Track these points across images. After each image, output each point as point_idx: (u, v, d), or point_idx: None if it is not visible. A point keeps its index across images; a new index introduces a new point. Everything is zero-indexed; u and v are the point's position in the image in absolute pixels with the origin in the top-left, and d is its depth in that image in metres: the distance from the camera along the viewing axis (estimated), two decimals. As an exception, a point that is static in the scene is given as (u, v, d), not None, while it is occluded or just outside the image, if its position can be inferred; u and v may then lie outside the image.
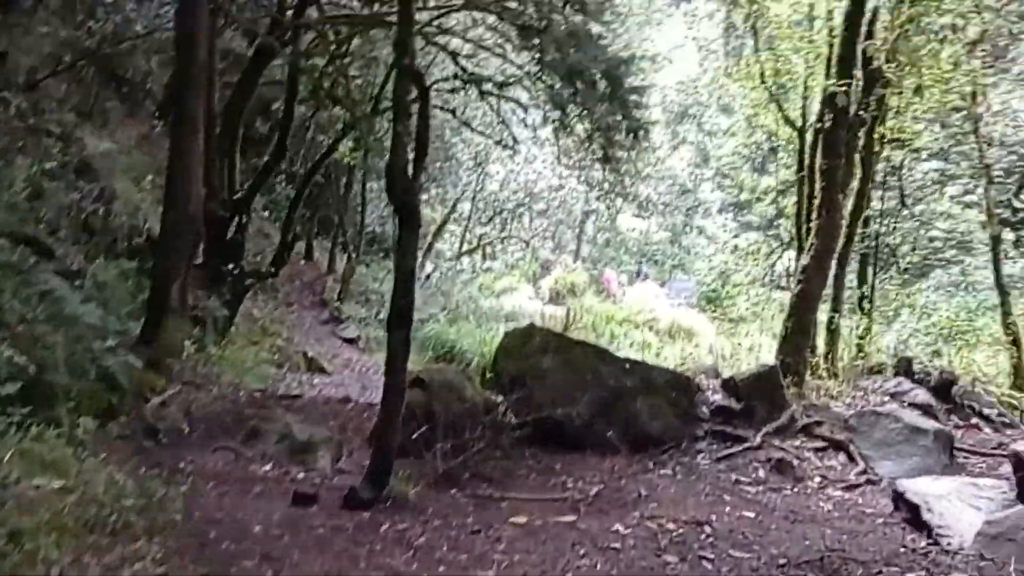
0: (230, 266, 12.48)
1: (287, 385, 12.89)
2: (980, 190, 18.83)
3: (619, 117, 9.09)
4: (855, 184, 10.17)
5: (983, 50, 10.80)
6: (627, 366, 8.07)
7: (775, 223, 16.11)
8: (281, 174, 19.75)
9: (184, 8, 8.61)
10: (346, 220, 22.20)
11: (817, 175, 9.01)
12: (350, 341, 17.85)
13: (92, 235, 11.59)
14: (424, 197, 27.03)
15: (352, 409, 9.36)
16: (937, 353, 12.16)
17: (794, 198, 13.21)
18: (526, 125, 14.65)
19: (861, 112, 8.70)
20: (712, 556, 5.06)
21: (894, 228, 14.41)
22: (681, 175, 37.63)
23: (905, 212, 14.68)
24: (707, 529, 5.55)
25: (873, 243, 13.22)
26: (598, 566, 4.87)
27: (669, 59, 35.11)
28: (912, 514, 5.59)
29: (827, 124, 8.61)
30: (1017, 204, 17.33)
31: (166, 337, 9.73)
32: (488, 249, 30.11)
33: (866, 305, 12.64)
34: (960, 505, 5.46)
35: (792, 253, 13.42)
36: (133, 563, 4.21)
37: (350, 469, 7.18)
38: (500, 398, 8.15)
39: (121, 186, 12.65)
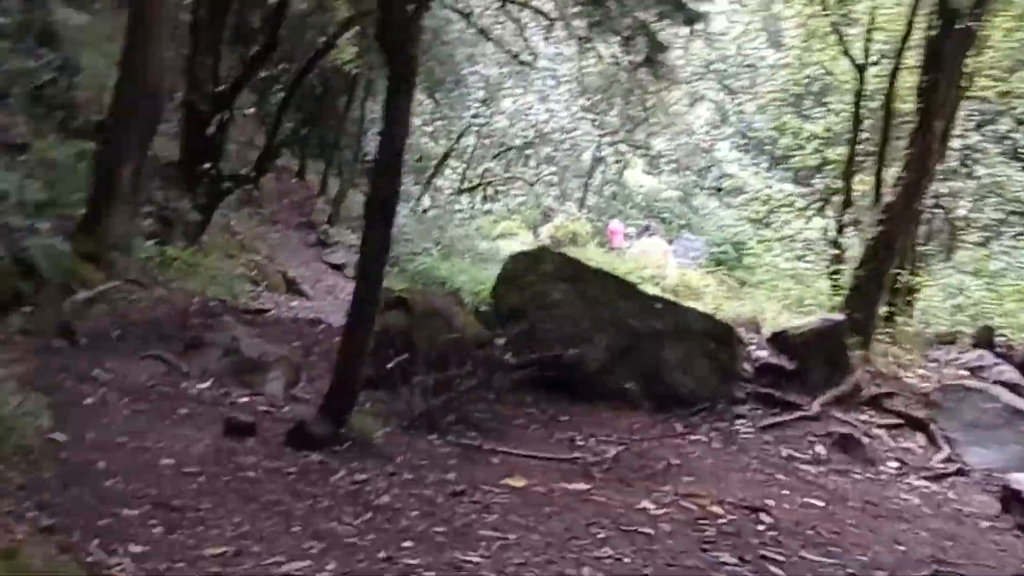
0: (207, 166, 11.18)
1: (259, 303, 11.61)
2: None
3: (670, 6, 7.55)
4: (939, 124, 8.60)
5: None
6: (657, 305, 6.61)
7: (816, 177, 14.45)
8: (276, 80, 18.21)
9: None
10: (342, 141, 20.62)
11: (912, 96, 7.48)
12: (337, 267, 16.59)
13: (51, 109, 10.24)
14: (428, 129, 25.35)
15: (322, 331, 7.92)
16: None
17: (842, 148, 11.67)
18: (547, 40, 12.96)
19: (972, 23, 7.16)
20: (781, 558, 3.65)
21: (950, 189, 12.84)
22: (698, 133, 35.86)
23: (964, 172, 13.11)
24: (764, 519, 4.15)
25: (933, 200, 11.64)
26: (626, 559, 3.46)
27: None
28: (1033, 520, 4.23)
29: (934, 31, 7.06)
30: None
31: (111, 228, 8.32)
32: (490, 189, 28.46)
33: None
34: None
35: (831, 212, 11.88)
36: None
37: (307, 398, 5.80)
38: (497, 333, 6.73)
39: (89, 59, 11.18)
